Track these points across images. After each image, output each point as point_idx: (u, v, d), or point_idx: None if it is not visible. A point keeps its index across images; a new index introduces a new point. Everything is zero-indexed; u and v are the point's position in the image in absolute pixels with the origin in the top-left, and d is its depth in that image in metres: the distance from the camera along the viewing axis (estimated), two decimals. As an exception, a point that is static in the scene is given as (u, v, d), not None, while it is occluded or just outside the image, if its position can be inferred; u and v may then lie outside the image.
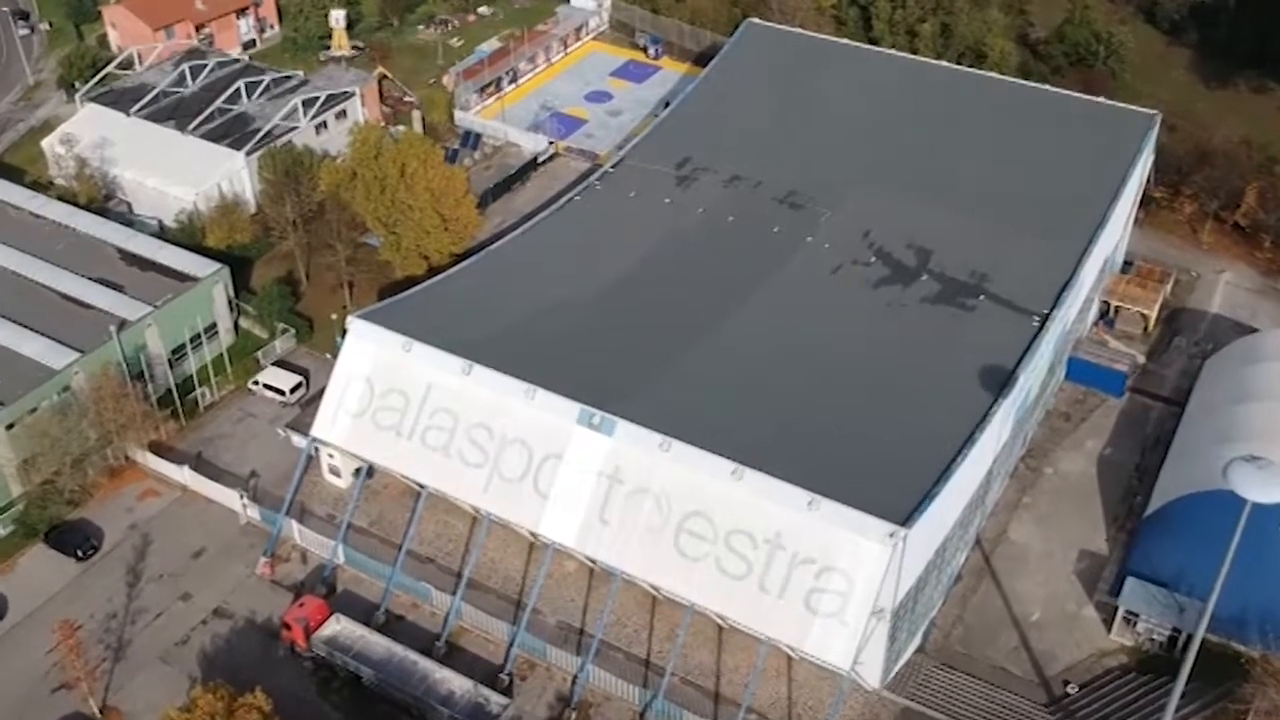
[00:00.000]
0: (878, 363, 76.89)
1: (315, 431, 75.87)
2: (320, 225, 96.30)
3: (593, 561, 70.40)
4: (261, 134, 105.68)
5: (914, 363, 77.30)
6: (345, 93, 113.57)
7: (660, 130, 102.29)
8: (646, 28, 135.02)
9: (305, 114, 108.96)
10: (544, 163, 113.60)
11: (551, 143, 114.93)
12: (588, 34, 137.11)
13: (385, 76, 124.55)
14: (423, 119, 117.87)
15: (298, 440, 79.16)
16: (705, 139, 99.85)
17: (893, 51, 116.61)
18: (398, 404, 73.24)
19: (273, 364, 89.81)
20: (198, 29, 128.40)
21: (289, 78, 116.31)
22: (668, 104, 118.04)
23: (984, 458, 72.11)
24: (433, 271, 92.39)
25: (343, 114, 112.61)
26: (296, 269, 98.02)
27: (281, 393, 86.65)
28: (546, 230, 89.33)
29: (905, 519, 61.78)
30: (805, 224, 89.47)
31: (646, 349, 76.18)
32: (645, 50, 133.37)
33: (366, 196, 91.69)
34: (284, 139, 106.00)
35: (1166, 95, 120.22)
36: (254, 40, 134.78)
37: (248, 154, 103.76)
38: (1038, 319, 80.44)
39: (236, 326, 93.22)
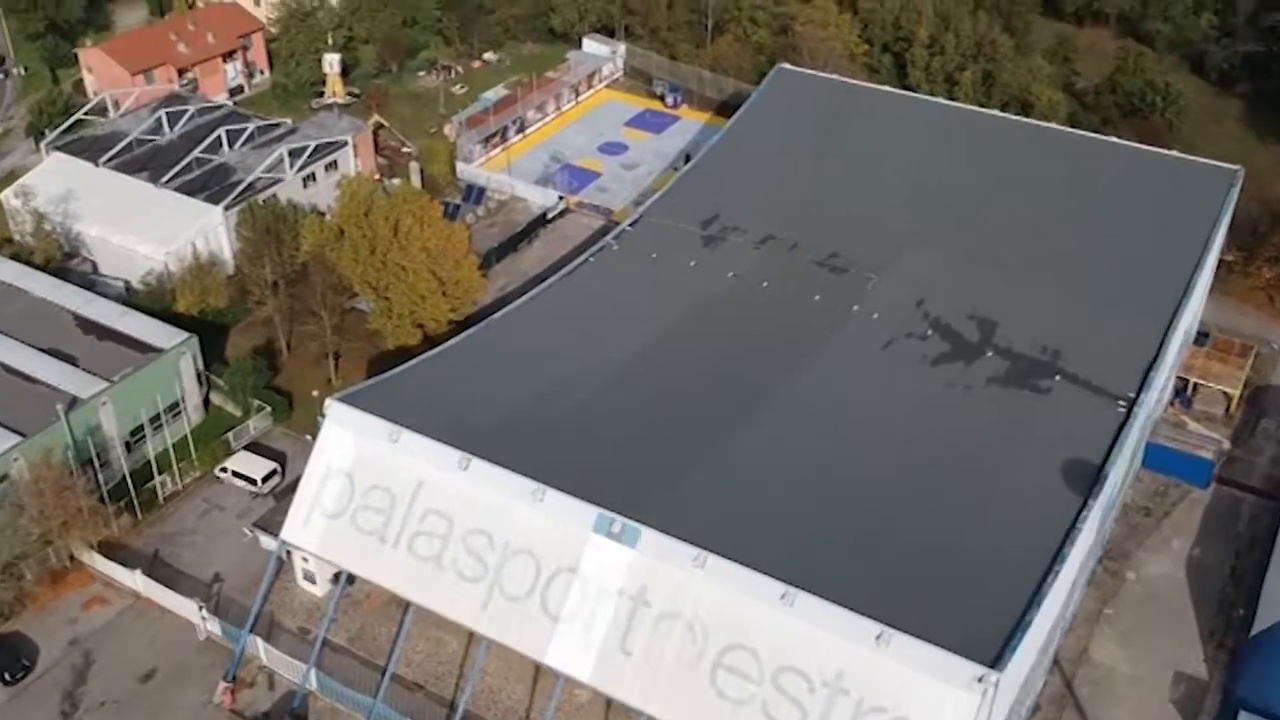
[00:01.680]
0: (943, 457, 65.97)
1: (286, 534, 64.92)
2: (304, 289, 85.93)
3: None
4: (242, 186, 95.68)
5: (985, 457, 66.47)
6: (336, 142, 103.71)
7: (683, 184, 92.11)
8: (664, 75, 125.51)
9: (292, 165, 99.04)
10: (554, 219, 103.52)
11: (562, 197, 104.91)
12: (601, 81, 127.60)
13: (381, 125, 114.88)
14: (421, 171, 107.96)
15: (267, 542, 68.24)
16: (734, 194, 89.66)
17: (938, 99, 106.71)
18: (382, 504, 62.35)
19: (244, 447, 79.02)
20: (180, 74, 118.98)
21: (275, 126, 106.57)
22: (689, 156, 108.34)
23: (1071, 571, 61.09)
24: (429, 342, 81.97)
25: (333, 165, 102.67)
26: (277, 337, 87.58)
27: (253, 482, 75.80)
28: (557, 296, 78.89)
29: (995, 658, 50.67)
30: (850, 291, 78.99)
31: (674, 439, 65.31)
32: (663, 99, 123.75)
33: (354, 257, 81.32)
34: (268, 192, 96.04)
35: (1222, 149, 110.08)
36: (242, 86, 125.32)
37: (226, 209, 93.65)
38: (1123, 404, 69.79)
39: (206, 403, 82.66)
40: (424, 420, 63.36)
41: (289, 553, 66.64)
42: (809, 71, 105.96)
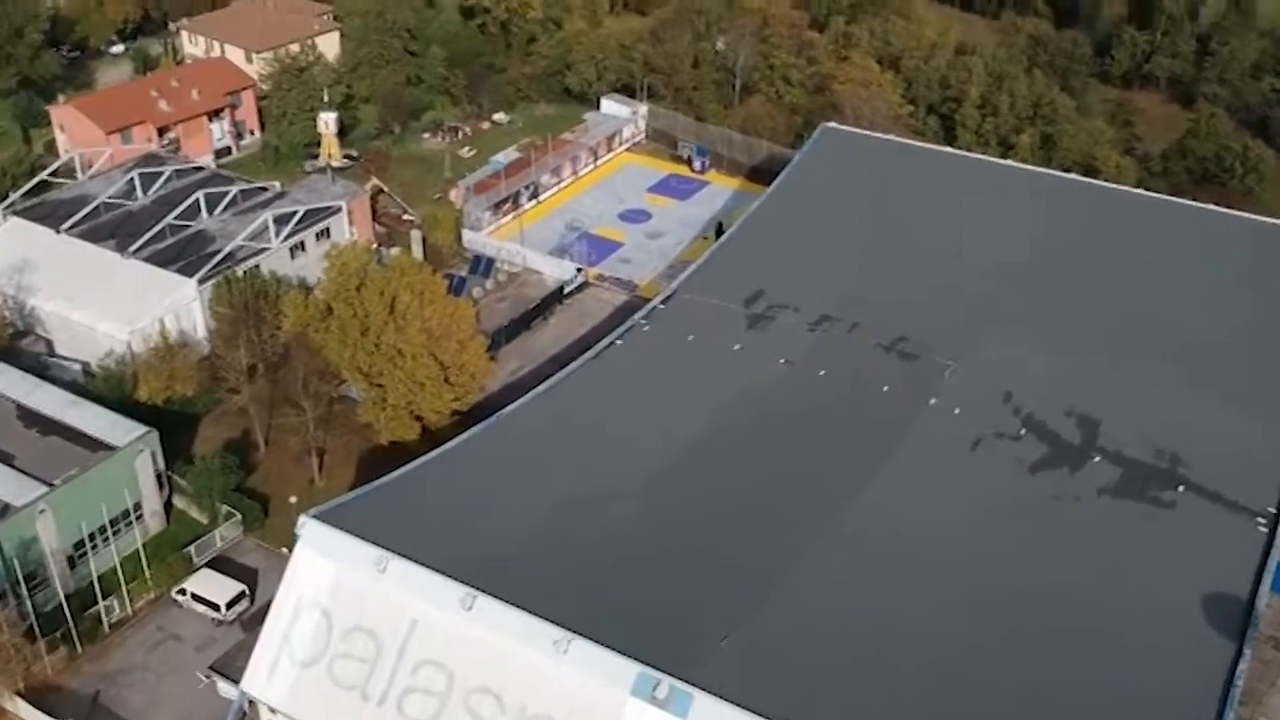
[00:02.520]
0: (1056, 589, 53.68)
1: (248, 684, 52.43)
2: (287, 374, 74.41)
3: None
4: (221, 257, 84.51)
5: (1106, 588, 54.18)
6: (329, 208, 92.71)
7: (722, 256, 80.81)
8: (690, 137, 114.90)
9: (278, 233, 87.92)
10: (571, 294, 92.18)
11: (580, 269, 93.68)
12: (621, 144, 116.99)
13: (381, 190, 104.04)
14: (423, 240, 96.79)
15: (226, 689, 55.85)
16: (781, 267, 78.26)
17: (1003, 161, 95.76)
18: (366, 651, 49.97)
19: (208, 564, 66.92)
20: (161, 133, 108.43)
21: (262, 189, 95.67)
22: (721, 226, 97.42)
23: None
24: (428, 437, 70.35)
25: (325, 233, 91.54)
26: (253, 430, 75.84)
27: (216, 607, 63.58)
28: (579, 386, 67.18)
29: None
30: (924, 381, 67.20)
31: (725, 571, 53.00)
32: (689, 162, 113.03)
33: (343, 339, 69.84)
34: (250, 263, 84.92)
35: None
36: (230, 148, 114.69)
37: (201, 281, 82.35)
38: (1263, 522, 57.80)
39: (168, 508, 70.71)
40: (419, 544, 51.28)
41: (252, 703, 54.17)
42: (857, 130, 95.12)
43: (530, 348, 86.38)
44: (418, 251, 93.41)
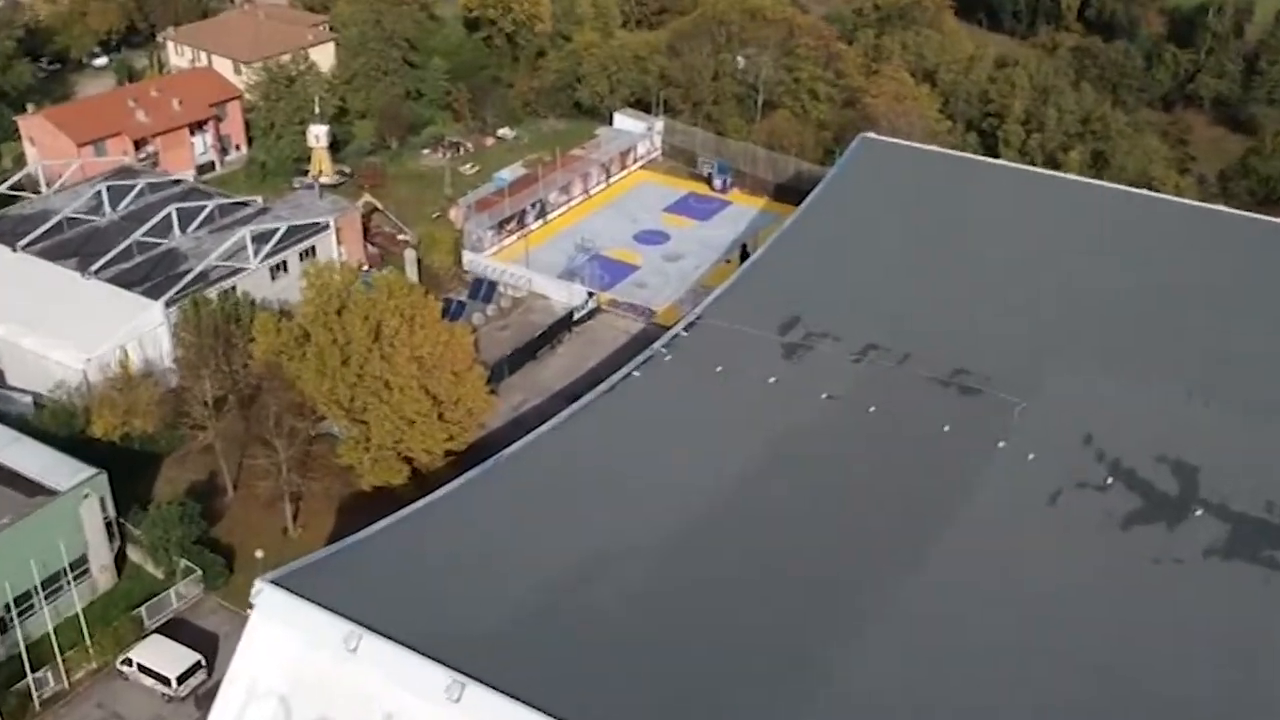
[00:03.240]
0: (1165, 673, 44.55)
1: (189, 785, 43.50)
2: (259, 407, 65.62)
3: None
4: (191, 277, 75.95)
5: (1222, 671, 44.98)
6: (314, 224, 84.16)
7: (753, 277, 72.01)
8: (710, 153, 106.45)
9: (257, 251, 79.34)
10: (582, 320, 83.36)
11: (591, 294, 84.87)
12: (636, 161, 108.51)
13: (375, 208, 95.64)
14: (419, 262, 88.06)
15: (166, 788, 46.84)
16: (819, 290, 69.57)
17: (1058, 173, 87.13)
18: (331, 750, 40.98)
19: (160, 628, 57.83)
20: (137, 146, 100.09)
21: (243, 204, 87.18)
22: (745, 248, 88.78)
23: None
24: (418, 481, 61.49)
25: (310, 253, 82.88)
26: (220, 472, 66.93)
27: (166, 681, 54.42)
28: (592, 424, 58.32)
29: None
30: (991, 421, 58.16)
31: (762, 658, 43.81)
32: (709, 180, 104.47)
33: (321, 369, 60.99)
34: (225, 284, 76.41)
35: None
36: (213, 163, 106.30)
37: (169, 304, 73.72)
38: (1403, 587, 48.62)
39: (120, 562, 61.73)
40: (398, 617, 42.32)
41: (198, 805, 45.08)
42: (899, 141, 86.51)
43: (536, 380, 77.55)
44: (412, 274, 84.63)
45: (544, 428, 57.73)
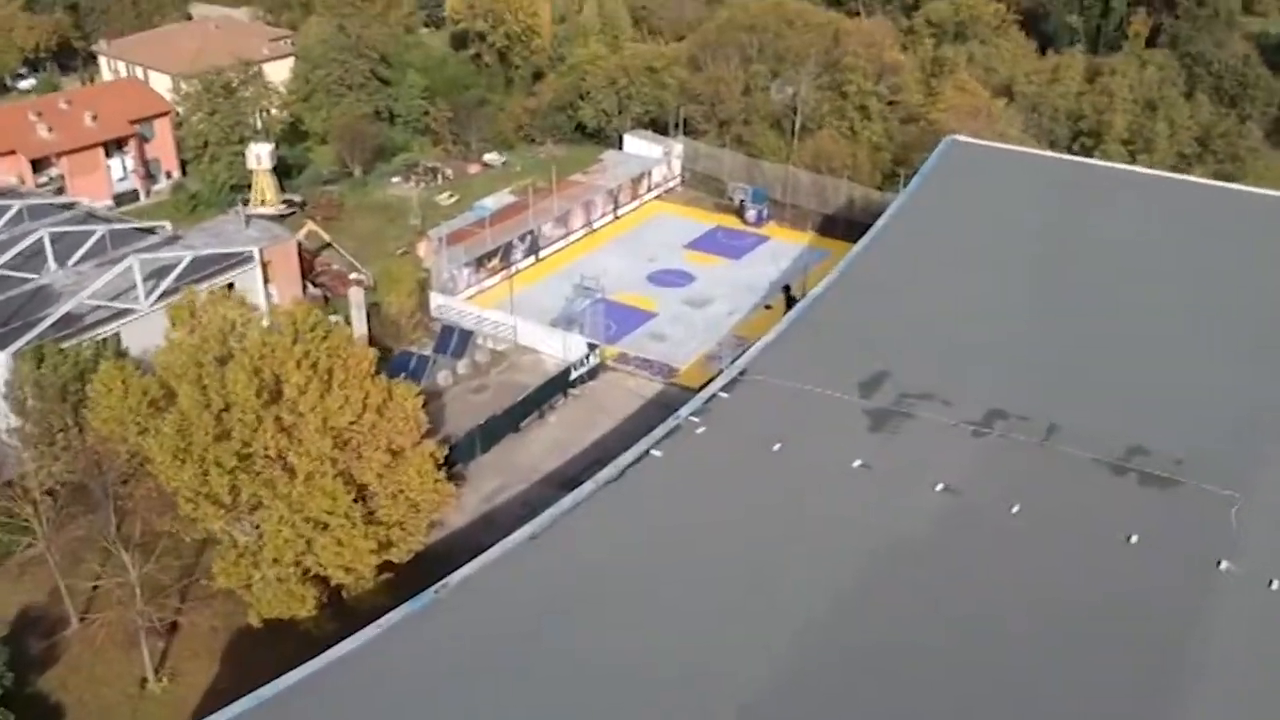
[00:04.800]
0: None
1: None
2: (110, 502, 45.69)
3: None
4: (54, 320, 56.37)
5: None
6: (234, 256, 64.83)
7: (816, 318, 51.94)
8: (741, 179, 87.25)
9: (151, 289, 59.94)
10: (581, 380, 63.48)
11: (594, 346, 64.95)
12: (650, 190, 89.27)
13: (325, 242, 76.56)
14: (375, 305, 68.38)
15: None
16: (910, 334, 49.67)
17: (1191, 178, 67.99)
18: None
19: None
20: (37, 167, 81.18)
21: (146, 232, 68.19)
22: (789, 291, 69.51)
23: None
24: (339, 612, 41.43)
25: (228, 290, 63.25)
26: (63, 595, 46.73)
27: None
28: (590, 527, 38.28)
29: None
30: (1198, 526, 38.00)
31: None
32: (740, 211, 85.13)
33: (183, 444, 40.96)
34: (103, 330, 57.03)
35: None
36: (136, 191, 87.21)
37: (15, 355, 53.98)
38: None
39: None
40: None
41: None
42: (998, 145, 67.20)
43: (518, 459, 57.50)
44: (358, 321, 64.71)
45: (524, 531, 37.75)
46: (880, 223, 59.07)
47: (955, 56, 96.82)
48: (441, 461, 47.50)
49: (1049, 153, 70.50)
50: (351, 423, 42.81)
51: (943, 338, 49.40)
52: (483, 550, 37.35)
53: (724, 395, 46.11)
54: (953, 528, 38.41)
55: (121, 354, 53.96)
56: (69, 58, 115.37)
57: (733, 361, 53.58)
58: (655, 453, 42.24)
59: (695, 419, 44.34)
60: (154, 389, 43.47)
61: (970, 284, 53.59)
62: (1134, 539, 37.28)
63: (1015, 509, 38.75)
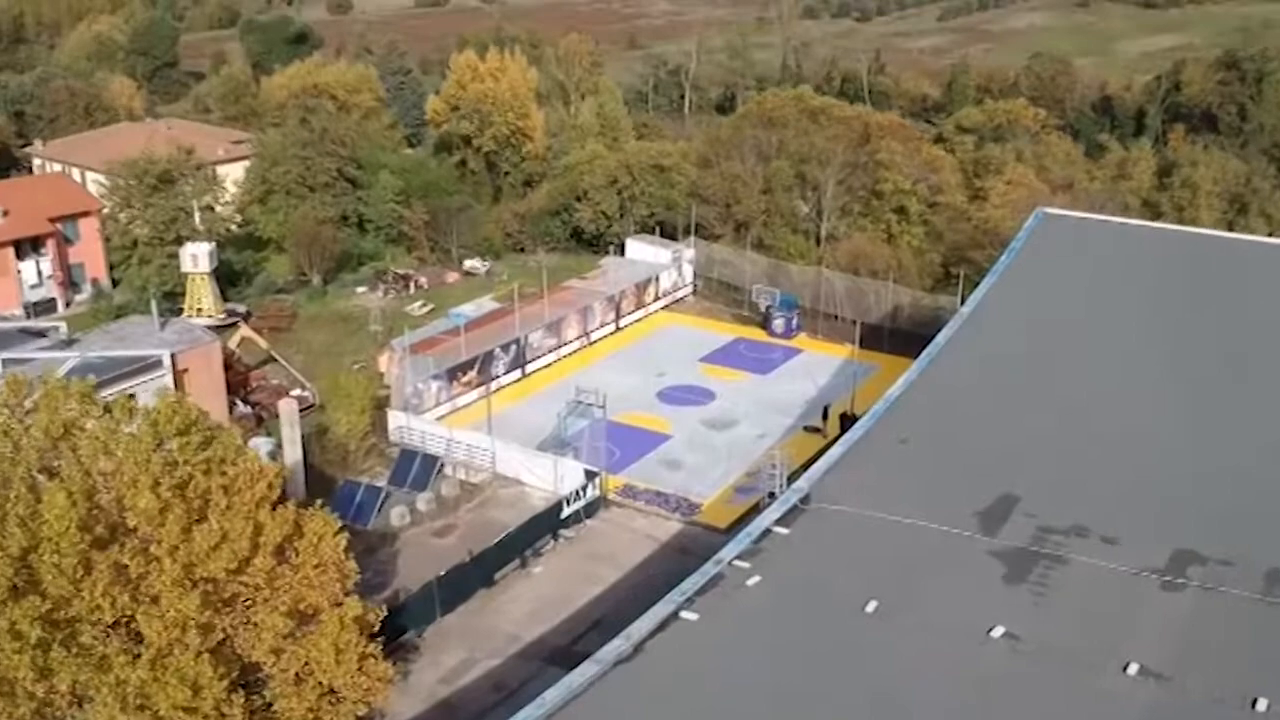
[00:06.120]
0: None
1: None
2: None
3: None
4: (-120, 437, 42.52)
5: None
6: (140, 360, 51.37)
7: (902, 423, 37.96)
8: (765, 283, 74.50)
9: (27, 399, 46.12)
10: (576, 517, 49.28)
11: (594, 475, 50.88)
12: (658, 299, 76.34)
13: (265, 356, 63.23)
14: (312, 427, 54.46)
15: None
16: (1029, 447, 35.84)
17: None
18: None
19: None
20: (-69, 269, 68.50)
21: (35, 334, 54.89)
22: (827, 411, 56.14)
23: None
24: None
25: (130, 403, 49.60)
26: None
27: None
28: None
29: None
30: None
31: None
32: (766, 321, 72.13)
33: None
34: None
35: None
36: (54, 300, 74.06)
37: None
38: None
39: None
40: None
41: None
42: (1096, 217, 54.52)
43: (491, 623, 42.96)
44: (291, 444, 50.55)
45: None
46: (965, 309, 45.66)
47: (1003, 154, 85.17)
48: (377, 628, 33.26)
49: (1154, 223, 58.29)
50: (233, 570, 28.66)
51: (1076, 449, 35.62)
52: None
53: (781, 530, 32.07)
54: (1168, 738, 24.06)
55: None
56: (6, 164, 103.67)
57: (780, 488, 39.70)
58: (686, 615, 28.05)
59: (743, 563, 30.23)
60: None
61: (1095, 377, 40.08)
62: None
63: (1262, 705, 24.42)
